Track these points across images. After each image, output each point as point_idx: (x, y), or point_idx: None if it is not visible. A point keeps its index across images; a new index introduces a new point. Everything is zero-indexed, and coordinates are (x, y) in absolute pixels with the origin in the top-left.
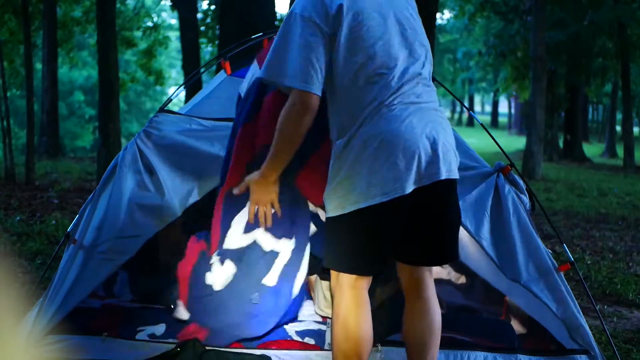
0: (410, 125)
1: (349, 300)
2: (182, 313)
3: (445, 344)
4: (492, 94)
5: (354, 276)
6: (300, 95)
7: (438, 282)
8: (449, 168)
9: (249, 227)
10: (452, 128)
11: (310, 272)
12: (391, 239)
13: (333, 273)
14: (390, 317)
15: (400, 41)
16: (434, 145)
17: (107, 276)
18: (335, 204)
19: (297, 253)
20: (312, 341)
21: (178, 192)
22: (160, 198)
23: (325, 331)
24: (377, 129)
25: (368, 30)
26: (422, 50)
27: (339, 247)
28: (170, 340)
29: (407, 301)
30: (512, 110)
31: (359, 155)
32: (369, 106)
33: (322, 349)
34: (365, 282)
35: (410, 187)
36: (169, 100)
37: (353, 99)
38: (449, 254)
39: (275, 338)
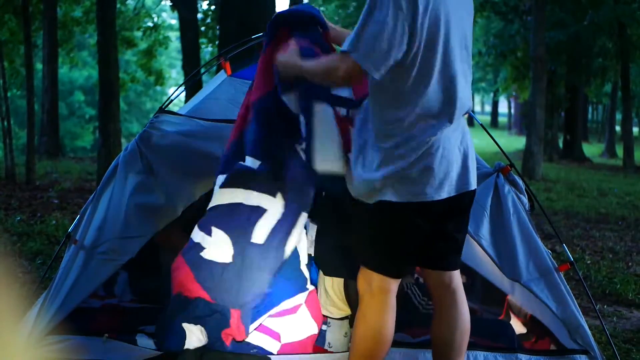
0: (447, 136)
1: (378, 303)
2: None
3: None
4: (492, 94)
5: (385, 278)
6: (351, 63)
7: None
8: (474, 180)
9: (227, 182)
10: None
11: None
12: (419, 242)
13: (363, 274)
14: None
15: (459, 59)
16: (465, 157)
17: (108, 277)
18: (367, 193)
19: (289, 213)
20: None
21: (178, 192)
22: (161, 198)
23: (325, 331)
24: (421, 137)
25: (436, 42)
26: (469, 71)
27: (373, 247)
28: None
29: (436, 305)
30: (512, 110)
31: (400, 158)
32: (417, 111)
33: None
34: (394, 286)
35: (444, 194)
36: (170, 100)
37: (407, 102)
38: (458, 260)
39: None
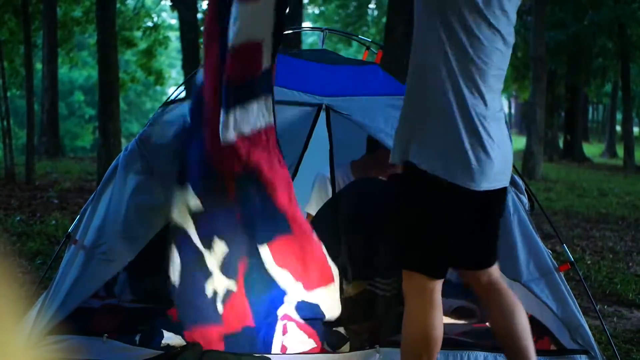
0: (501, 126)
1: (424, 302)
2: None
3: (445, 344)
4: None
5: (426, 279)
6: None
7: None
8: (510, 176)
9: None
10: None
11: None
12: (460, 234)
13: (405, 276)
14: (389, 318)
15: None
16: (509, 150)
17: (108, 278)
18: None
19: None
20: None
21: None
22: (161, 198)
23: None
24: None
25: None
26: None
27: (414, 236)
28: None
29: (488, 305)
30: (512, 110)
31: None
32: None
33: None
34: (438, 285)
35: (490, 185)
36: (170, 101)
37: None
38: (495, 256)
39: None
